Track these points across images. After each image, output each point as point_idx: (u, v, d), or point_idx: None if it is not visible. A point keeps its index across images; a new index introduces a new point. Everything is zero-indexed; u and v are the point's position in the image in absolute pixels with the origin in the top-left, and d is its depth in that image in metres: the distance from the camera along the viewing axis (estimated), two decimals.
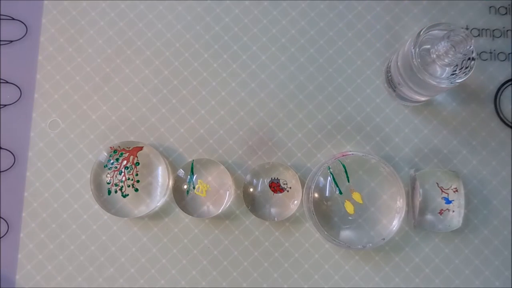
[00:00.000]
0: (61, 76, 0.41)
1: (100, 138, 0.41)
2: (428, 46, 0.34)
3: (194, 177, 0.38)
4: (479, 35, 0.42)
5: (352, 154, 0.38)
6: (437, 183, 0.38)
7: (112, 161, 0.38)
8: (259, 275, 0.39)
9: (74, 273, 0.39)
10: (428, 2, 0.42)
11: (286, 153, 0.40)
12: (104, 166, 0.38)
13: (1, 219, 0.40)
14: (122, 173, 0.38)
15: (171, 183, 0.39)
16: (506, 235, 0.40)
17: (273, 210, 0.38)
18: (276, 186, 0.38)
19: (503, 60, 0.41)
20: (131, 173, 0.38)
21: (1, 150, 0.40)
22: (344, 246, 0.37)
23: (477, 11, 0.42)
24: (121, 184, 0.38)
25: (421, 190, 0.38)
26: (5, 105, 0.41)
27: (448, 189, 0.38)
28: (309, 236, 0.40)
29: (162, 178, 0.39)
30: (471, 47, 0.33)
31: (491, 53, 0.42)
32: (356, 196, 0.38)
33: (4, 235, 0.40)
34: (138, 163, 0.39)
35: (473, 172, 0.40)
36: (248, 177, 0.39)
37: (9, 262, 0.39)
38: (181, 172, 0.38)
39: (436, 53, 0.34)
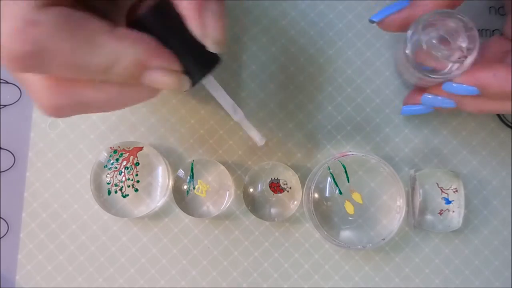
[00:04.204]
0: None
1: (100, 138, 0.41)
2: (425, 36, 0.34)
3: (194, 177, 0.38)
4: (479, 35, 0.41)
5: (352, 154, 0.38)
6: (437, 183, 0.38)
7: (112, 161, 0.38)
8: (259, 275, 0.39)
9: (74, 273, 0.39)
10: None
11: (286, 153, 0.40)
12: (104, 167, 0.38)
13: (1, 219, 0.40)
14: (122, 173, 0.38)
15: (171, 183, 0.39)
16: (506, 235, 0.40)
17: (273, 211, 0.38)
18: (276, 186, 0.38)
19: None
20: (131, 173, 0.38)
21: (1, 150, 0.40)
22: (344, 246, 0.37)
23: (477, 11, 0.42)
24: (121, 184, 0.38)
25: (421, 190, 0.38)
26: (5, 105, 0.41)
27: (448, 189, 0.38)
28: (309, 236, 0.40)
29: (162, 179, 0.39)
30: (462, 44, 0.33)
31: None
32: (356, 196, 0.38)
33: (4, 235, 0.40)
34: (138, 163, 0.39)
35: (473, 172, 0.40)
36: (248, 177, 0.39)
37: (9, 262, 0.39)
38: (181, 172, 0.38)
39: (425, 43, 0.33)
